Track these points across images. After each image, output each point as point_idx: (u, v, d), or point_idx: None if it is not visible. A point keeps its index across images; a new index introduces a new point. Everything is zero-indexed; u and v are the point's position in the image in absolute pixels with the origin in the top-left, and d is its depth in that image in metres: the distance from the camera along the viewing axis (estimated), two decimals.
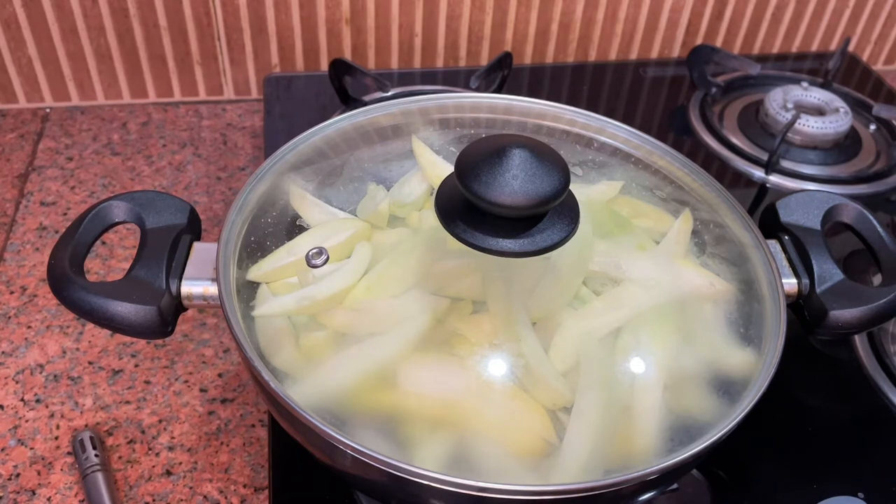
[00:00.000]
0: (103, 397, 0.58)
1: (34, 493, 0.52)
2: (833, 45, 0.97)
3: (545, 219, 0.38)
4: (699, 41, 0.92)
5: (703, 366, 0.41)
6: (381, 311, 0.40)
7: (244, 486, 0.53)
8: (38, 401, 0.57)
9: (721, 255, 0.45)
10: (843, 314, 0.43)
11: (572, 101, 0.81)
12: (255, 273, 0.43)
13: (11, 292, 0.65)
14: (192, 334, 0.62)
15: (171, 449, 0.55)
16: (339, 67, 0.74)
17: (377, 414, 0.38)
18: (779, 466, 0.52)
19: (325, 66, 0.85)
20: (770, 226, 0.48)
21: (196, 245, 0.44)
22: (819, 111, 0.80)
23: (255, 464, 0.55)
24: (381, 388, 0.39)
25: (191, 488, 0.53)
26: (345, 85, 0.74)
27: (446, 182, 0.40)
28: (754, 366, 0.40)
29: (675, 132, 0.81)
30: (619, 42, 0.91)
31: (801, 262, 0.45)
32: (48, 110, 0.84)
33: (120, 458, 0.54)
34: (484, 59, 0.89)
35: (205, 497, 0.53)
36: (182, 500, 0.52)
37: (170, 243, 0.42)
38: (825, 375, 0.59)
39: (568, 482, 0.36)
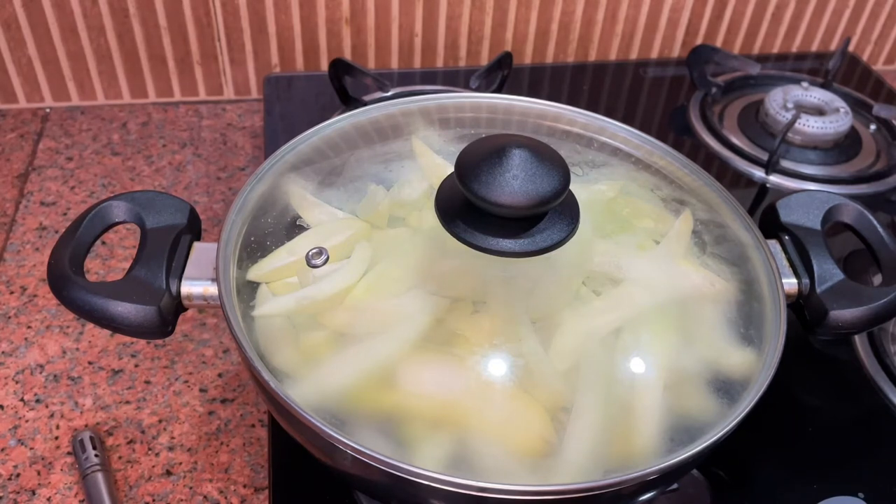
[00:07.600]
0: (103, 397, 0.58)
1: (34, 493, 0.52)
2: (833, 45, 0.97)
3: (545, 219, 0.38)
4: (699, 41, 0.92)
5: (703, 366, 0.41)
6: (381, 311, 0.40)
7: (244, 486, 0.53)
8: (38, 401, 0.57)
9: (721, 255, 0.45)
10: (844, 314, 0.43)
11: (572, 101, 0.81)
12: (255, 273, 0.42)
13: (11, 292, 0.65)
14: (192, 334, 0.62)
15: (171, 449, 0.55)
16: (339, 67, 0.73)
17: (377, 414, 0.38)
18: (779, 466, 0.52)
19: (325, 66, 0.85)
20: (770, 226, 0.48)
21: (196, 245, 0.44)
22: (819, 111, 0.80)
23: (255, 464, 0.55)
24: (381, 388, 0.38)
25: (191, 488, 0.53)
26: (345, 85, 0.74)
27: (446, 182, 0.40)
28: (754, 366, 0.40)
29: (675, 132, 0.81)
30: (619, 42, 0.91)
31: (802, 262, 0.45)
32: (48, 110, 0.84)
33: (120, 458, 0.54)
34: (484, 59, 0.89)
35: (205, 497, 0.53)
36: (182, 500, 0.52)
37: (170, 243, 0.42)
38: (825, 375, 0.59)
39: (568, 482, 0.36)
